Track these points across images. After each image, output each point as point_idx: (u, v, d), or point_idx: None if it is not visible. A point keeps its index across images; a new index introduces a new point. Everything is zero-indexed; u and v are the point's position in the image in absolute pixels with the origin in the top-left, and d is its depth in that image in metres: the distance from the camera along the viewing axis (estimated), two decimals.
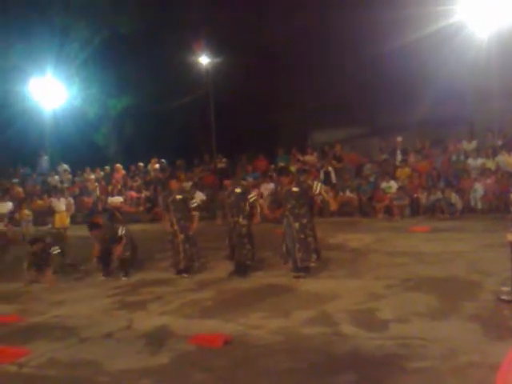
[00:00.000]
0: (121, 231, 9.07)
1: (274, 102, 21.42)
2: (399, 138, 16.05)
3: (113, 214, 10.31)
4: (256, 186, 15.29)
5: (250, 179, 16.03)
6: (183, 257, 8.65)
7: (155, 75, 21.29)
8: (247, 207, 8.42)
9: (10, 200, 17.36)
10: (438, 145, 15.60)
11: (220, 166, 17.67)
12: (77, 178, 19.51)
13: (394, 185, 13.91)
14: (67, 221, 9.93)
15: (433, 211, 13.06)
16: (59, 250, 9.38)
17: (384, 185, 14.02)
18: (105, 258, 9.18)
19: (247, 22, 20.37)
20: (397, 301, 6.43)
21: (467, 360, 4.46)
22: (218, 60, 22.19)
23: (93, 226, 9.29)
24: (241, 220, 8.41)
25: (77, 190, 18.28)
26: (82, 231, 11.40)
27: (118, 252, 8.99)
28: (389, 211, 13.46)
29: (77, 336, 6.09)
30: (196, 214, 8.84)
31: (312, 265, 7.98)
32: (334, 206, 8.65)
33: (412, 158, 15.18)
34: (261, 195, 14.03)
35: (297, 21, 19.15)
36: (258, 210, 8.56)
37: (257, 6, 19.76)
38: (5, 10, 19.50)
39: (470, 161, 14.15)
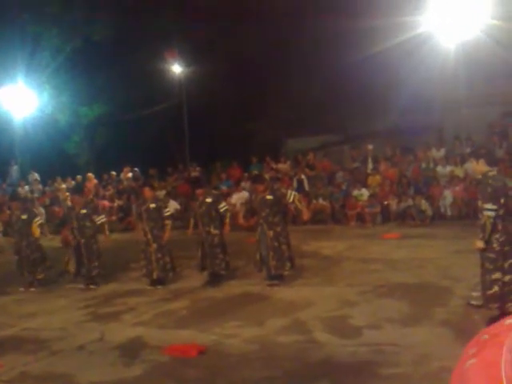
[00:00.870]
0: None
1: (248, 110, 21.53)
2: (370, 146, 16.26)
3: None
4: (229, 194, 15.32)
5: (224, 187, 16.04)
6: (156, 266, 8.58)
7: (128, 83, 21.17)
8: (218, 217, 8.44)
9: None
10: (407, 152, 15.86)
11: (194, 174, 17.62)
12: (47, 188, 19.20)
13: (365, 192, 14.07)
14: (37, 231, 9.73)
15: (403, 218, 13.26)
16: None
17: (356, 192, 14.18)
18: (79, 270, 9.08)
19: (220, 31, 20.48)
20: (369, 307, 6.51)
21: (439, 365, 4.54)
22: (190, 68, 22.23)
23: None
24: (212, 230, 8.40)
25: (47, 200, 17.99)
26: (53, 242, 11.27)
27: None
28: (361, 218, 13.61)
29: (48, 349, 6.00)
30: (169, 222, 8.80)
31: (286, 273, 8.03)
32: (306, 216, 8.70)
33: (383, 166, 15.39)
34: (233, 205, 14.06)
35: (270, 29, 19.32)
36: (228, 219, 8.58)
37: (230, 14, 19.85)
38: None
39: (439, 168, 14.41)
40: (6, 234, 13.80)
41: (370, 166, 15.75)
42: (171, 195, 16.12)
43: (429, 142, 15.75)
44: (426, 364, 4.66)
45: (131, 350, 5.76)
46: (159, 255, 8.59)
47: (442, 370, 4.46)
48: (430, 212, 13.04)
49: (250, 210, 8.38)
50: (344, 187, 14.95)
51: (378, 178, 14.84)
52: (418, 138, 16.33)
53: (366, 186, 14.52)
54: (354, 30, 15.44)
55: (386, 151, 16.21)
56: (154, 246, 8.59)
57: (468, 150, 14.63)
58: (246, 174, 16.37)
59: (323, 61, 18.02)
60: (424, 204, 13.07)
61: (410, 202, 13.32)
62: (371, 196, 13.80)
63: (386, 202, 13.64)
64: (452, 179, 13.56)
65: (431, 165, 14.87)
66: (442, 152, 15.06)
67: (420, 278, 7.67)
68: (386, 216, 13.63)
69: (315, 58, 18.45)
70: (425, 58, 14.96)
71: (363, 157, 16.31)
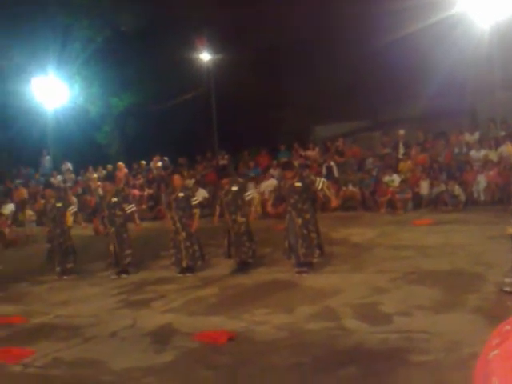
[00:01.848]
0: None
1: (276, 97, 21.41)
2: (401, 131, 15.99)
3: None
4: (257, 182, 15.30)
5: (253, 175, 16.03)
6: (185, 255, 8.65)
7: (157, 73, 21.31)
8: (244, 205, 8.44)
9: (13, 201, 17.46)
10: (440, 137, 15.54)
11: (222, 162, 17.66)
12: (79, 178, 19.53)
13: (396, 178, 13.86)
14: (70, 220, 9.92)
15: (436, 204, 13.03)
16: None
17: (387, 178, 13.97)
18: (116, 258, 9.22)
19: (248, 19, 20.34)
20: (400, 294, 6.42)
21: (470, 352, 4.44)
22: (219, 57, 22.20)
23: None
24: (239, 218, 8.41)
25: (79, 190, 18.30)
26: (86, 230, 11.45)
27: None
28: (392, 205, 13.42)
29: (81, 336, 6.11)
30: (197, 211, 8.82)
31: (315, 260, 7.98)
32: (334, 203, 8.60)
33: (414, 151, 15.13)
34: (261, 193, 14.06)
35: (298, 16, 19.11)
36: (253, 208, 8.57)
37: (257, 1, 19.72)
38: (7, 10, 19.50)
39: (473, 152, 14.08)
40: (39, 223, 14.10)
41: (402, 151, 15.50)
42: (200, 183, 16.20)
43: (462, 126, 15.39)
44: (457, 351, 4.57)
45: (162, 336, 5.82)
46: (188, 243, 8.65)
47: (473, 357, 4.32)
48: (462, 197, 12.77)
49: (279, 197, 8.34)
50: (374, 173, 14.77)
51: (409, 163, 14.59)
52: (451, 122, 15.98)
53: (397, 171, 14.30)
54: (383, 12, 15.13)
55: (418, 136, 15.91)
56: (183, 234, 8.65)
57: (503, 134, 14.26)
58: (275, 162, 16.32)
59: (351, 45, 17.74)
60: (457, 189, 12.81)
61: (443, 187, 13.07)
62: (402, 182, 13.59)
63: (417, 189, 13.42)
64: (486, 163, 13.24)
65: (464, 149, 14.55)
66: (476, 136, 14.70)
67: (452, 265, 7.52)
68: (418, 202, 13.41)
69: (343, 43, 18.17)
70: (458, 39, 14.57)
71: (394, 142, 16.06)
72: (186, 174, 15.17)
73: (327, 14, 18.43)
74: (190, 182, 15.52)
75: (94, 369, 5.10)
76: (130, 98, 22.67)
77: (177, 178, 9.03)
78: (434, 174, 13.72)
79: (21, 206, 16.80)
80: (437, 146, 15.11)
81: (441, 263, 7.66)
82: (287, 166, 8.45)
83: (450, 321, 5.37)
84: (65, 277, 9.47)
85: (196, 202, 8.91)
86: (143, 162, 19.29)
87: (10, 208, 16.55)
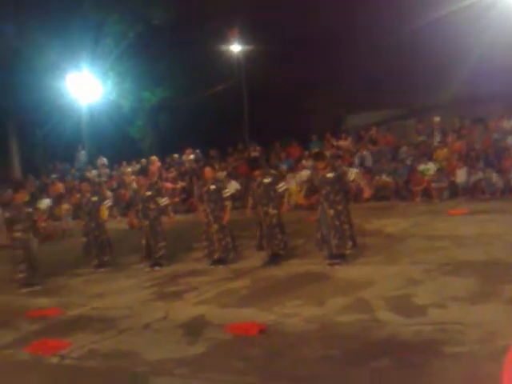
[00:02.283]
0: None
1: (307, 87, 21.25)
2: (437, 118, 15.67)
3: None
4: (289, 173, 15.25)
5: (284, 166, 15.97)
6: (217, 247, 8.69)
7: (188, 66, 21.42)
8: (276, 197, 8.41)
9: (49, 196, 17.87)
10: (477, 123, 15.16)
11: (254, 154, 17.65)
12: (114, 172, 19.83)
13: (432, 167, 13.60)
14: (105, 214, 10.10)
15: (473, 193, 12.73)
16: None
17: (422, 167, 13.72)
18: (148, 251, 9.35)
19: (277, 9, 20.20)
20: (435, 286, 6.30)
21: (506, 344, 4.32)
22: (249, 48, 22.14)
23: None
24: (271, 210, 8.38)
25: (114, 184, 18.59)
26: (121, 224, 11.63)
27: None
28: (427, 194, 13.18)
29: (116, 327, 6.21)
30: (228, 203, 8.83)
31: (348, 252, 7.89)
32: (367, 194, 8.46)
33: (450, 139, 14.80)
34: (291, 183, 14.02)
35: (327, 4, 18.87)
36: (286, 199, 8.54)
37: None
38: (42, 9, 19.89)
39: (511, 139, 13.70)
40: (75, 217, 14.38)
41: (437, 139, 15.19)
42: (232, 175, 16.24)
43: (499, 111, 14.97)
44: (493, 342, 4.45)
45: (194, 328, 5.87)
46: (220, 236, 8.68)
47: (508, 349, 4.26)
48: (500, 185, 12.46)
49: (311, 188, 8.27)
50: (409, 162, 14.52)
51: (445, 151, 14.31)
52: (487, 108, 15.56)
53: (432, 160, 14.03)
54: None
55: (454, 123, 15.56)
56: (215, 226, 8.68)
57: None
58: (306, 153, 16.22)
59: (382, 31, 17.42)
60: (495, 177, 12.50)
61: (480, 175, 12.76)
62: (438, 170, 13.33)
63: (453, 177, 13.14)
64: None
65: (502, 136, 14.15)
66: None
67: (488, 255, 7.34)
68: (454, 191, 13.13)
69: (374, 30, 17.86)
70: (492, 22, 14.14)
71: (429, 130, 15.76)
72: (217, 166, 15.25)
73: (356, 2, 18.14)
74: (222, 175, 15.58)
75: (128, 360, 5.18)
76: (162, 92, 22.86)
77: (208, 170, 9.05)
78: (471, 162, 13.41)
79: (57, 200, 17.19)
80: (474, 132, 14.75)
81: (476, 253, 7.49)
82: (319, 156, 8.36)
83: (485, 312, 5.24)
84: (101, 269, 9.66)
85: (227, 195, 8.91)
86: (176, 156, 19.45)
87: (46, 203, 16.95)
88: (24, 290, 8.66)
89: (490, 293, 5.76)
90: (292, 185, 14.17)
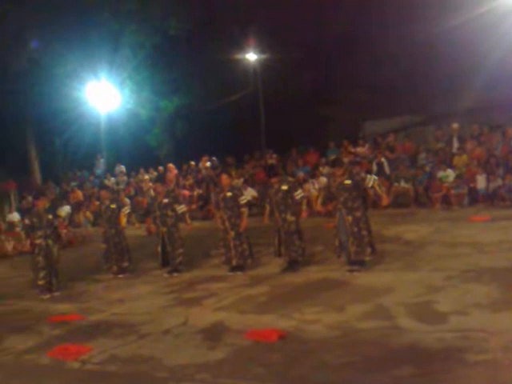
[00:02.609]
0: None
1: (324, 94, 21.24)
2: (455, 125, 15.54)
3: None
4: (306, 180, 15.23)
5: (301, 173, 15.95)
6: (235, 254, 8.69)
7: (204, 75, 21.57)
8: (294, 204, 8.40)
9: (69, 203, 18.07)
10: (496, 130, 15.00)
11: (271, 161, 17.66)
12: (131, 179, 19.99)
13: (451, 173, 13.48)
14: (124, 220, 10.19)
15: (493, 199, 12.59)
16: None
17: (441, 174, 13.61)
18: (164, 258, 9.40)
19: (292, 17, 20.28)
20: (456, 293, 6.24)
21: None
22: (265, 56, 22.24)
23: None
24: (289, 217, 8.38)
25: (132, 191, 18.73)
26: (139, 231, 11.71)
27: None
28: (446, 201, 13.06)
29: (136, 333, 6.25)
30: (245, 210, 8.84)
31: (366, 258, 7.85)
32: (385, 202, 8.35)
33: (469, 145, 14.67)
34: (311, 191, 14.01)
35: (344, 10, 18.89)
36: (304, 206, 8.52)
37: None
38: (62, 20, 20.21)
39: None
40: (94, 224, 14.52)
41: (456, 145, 15.06)
42: (248, 183, 16.26)
43: None
44: None
45: (214, 333, 5.89)
46: (237, 242, 8.69)
47: None
48: None
49: (328, 195, 8.24)
50: (428, 169, 14.42)
51: (464, 157, 14.17)
52: (506, 114, 15.40)
53: (451, 166, 13.91)
54: (433, 3, 14.74)
55: (472, 129, 15.42)
56: (232, 233, 8.70)
57: None
58: (324, 160, 16.19)
59: (399, 38, 17.37)
60: None
61: (500, 181, 12.62)
62: (457, 177, 13.21)
63: (472, 184, 13.00)
64: None
65: None
66: None
67: (510, 262, 7.25)
68: (474, 197, 13.00)
69: (391, 36, 17.82)
70: (510, 28, 14.03)
71: (448, 136, 15.63)
72: (234, 173, 15.29)
73: (372, 7, 18.13)
74: (239, 182, 15.61)
75: (149, 365, 5.21)
76: (179, 101, 23.00)
77: (224, 177, 9.09)
78: (491, 169, 13.25)
79: (77, 207, 17.37)
80: (493, 139, 14.59)
81: (498, 260, 7.40)
82: (336, 162, 8.34)
83: (508, 319, 5.18)
84: (120, 275, 9.73)
85: (244, 202, 8.92)
86: (192, 163, 19.54)
87: (66, 210, 17.15)
88: (45, 296, 8.75)
89: None
90: (312, 192, 14.16)
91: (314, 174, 15.46)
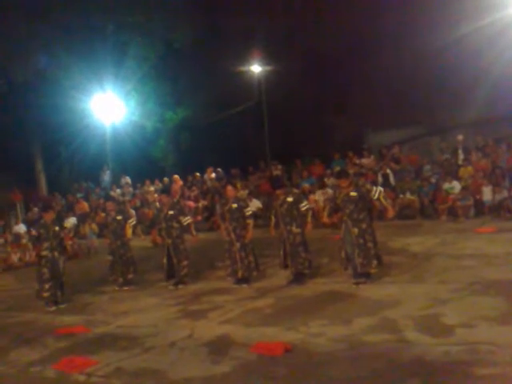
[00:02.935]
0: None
1: (328, 105, 21.30)
2: (460, 137, 15.55)
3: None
4: (311, 191, 15.22)
5: (306, 185, 15.95)
6: (241, 266, 8.67)
7: (209, 86, 21.68)
8: (299, 215, 8.39)
9: (75, 214, 18.10)
10: (501, 142, 15.00)
11: (275, 172, 17.68)
12: (137, 191, 20.04)
13: (457, 185, 13.46)
14: (129, 232, 10.20)
15: (499, 211, 12.54)
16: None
17: (446, 185, 13.59)
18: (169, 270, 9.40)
19: (296, 28, 20.41)
20: (463, 305, 6.20)
21: None
22: (269, 68, 22.36)
23: None
24: (294, 228, 8.37)
25: (138, 202, 18.76)
26: (145, 242, 11.72)
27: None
28: (452, 213, 13.03)
29: (141, 345, 6.23)
30: (250, 222, 8.83)
31: (373, 271, 7.82)
32: (390, 214, 8.30)
33: (474, 157, 14.66)
34: (316, 203, 13.99)
35: (348, 20, 18.99)
36: (310, 218, 8.50)
37: (303, 10, 19.74)
38: (67, 32, 20.41)
39: None
40: (100, 236, 14.53)
41: (461, 157, 15.06)
42: (253, 194, 16.26)
43: None
44: None
45: (219, 347, 5.86)
46: (243, 254, 8.67)
47: None
48: None
49: (334, 206, 8.23)
50: (433, 180, 14.40)
51: (469, 169, 14.16)
52: (511, 126, 15.41)
53: (457, 178, 13.89)
54: (436, 15, 14.80)
55: (477, 141, 15.42)
56: (237, 245, 8.68)
57: None
58: (329, 171, 16.19)
59: (405, 49, 17.44)
60: None
61: (506, 193, 12.58)
62: (463, 189, 13.18)
63: (478, 196, 12.96)
64: None
65: None
66: None
67: None
68: (480, 209, 12.96)
69: (396, 47, 17.89)
70: None
71: (453, 148, 15.63)
72: (239, 185, 15.30)
73: (378, 19, 18.22)
74: (244, 193, 15.61)
75: (154, 379, 5.18)
76: (183, 112, 23.14)
77: (229, 189, 9.09)
78: (497, 180, 13.23)
79: (82, 219, 17.40)
80: (498, 151, 14.59)
81: (505, 272, 7.36)
82: (342, 174, 8.33)
83: None
84: (125, 287, 9.72)
85: (249, 213, 8.90)
86: (198, 174, 19.59)
87: (72, 221, 17.17)
88: (50, 309, 8.75)
89: None
90: (320, 203, 14.14)
91: (321, 185, 15.42)
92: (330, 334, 5.80)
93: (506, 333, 5.16)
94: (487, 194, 12.93)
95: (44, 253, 8.92)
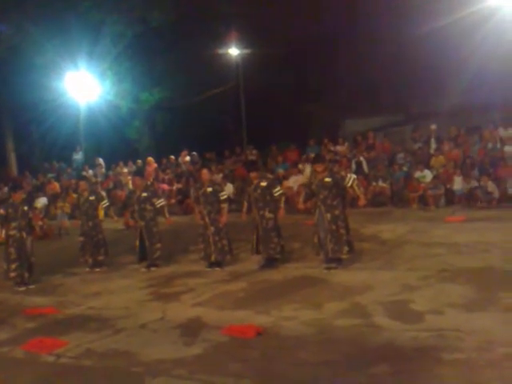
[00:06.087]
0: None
1: (305, 92, 21.31)
2: (433, 126, 15.72)
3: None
4: (285, 177, 15.24)
5: (281, 170, 15.97)
6: (214, 249, 8.68)
7: (186, 68, 21.44)
8: (273, 200, 8.41)
9: (46, 195, 17.80)
10: (473, 132, 15.23)
11: (251, 157, 17.64)
12: (110, 172, 19.78)
13: (428, 174, 13.63)
14: (101, 213, 10.09)
15: (469, 200, 12.78)
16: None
17: (418, 174, 13.76)
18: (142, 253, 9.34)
19: (275, 13, 20.28)
20: (432, 292, 6.33)
21: (504, 352, 4.37)
22: (247, 51, 22.20)
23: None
24: (267, 213, 8.39)
25: (111, 184, 18.54)
26: (117, 224, 11.60)
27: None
28: (423, 201, 13.21)
29: (112, 327, 6.21)
30: (225, 206, 8.84)
31: (344, 256, 7.91)
32: (362, 202, 8.37)
33: (446, 147, 14.86)
34: (290, 188, 14.02)
35: (325, 9, 18.96)
36: (283, 204, 8.54)
37: None
38: (41, 8, 19.87)
39: (507, 148, 13.75)
40: (71, 217, 14.33)
41: (433, 146, 15.24)
42: (228, 178, 16.22)
43: (495, 121, 15.05)
44: (490, 350, 4.48)
45: (191, 329, 5.88)
46: (216, 238, 8.68)
47: (506, 357, 4.30)
48: (496, 194, 12.49)
49: (309, 192, 8.27)
50: (405, 169, 14.57)
51: (441, 158, 14.35)
52: (484, 117, 15.64)
53: (428, 167, 14.07)
54: (413, 5, 14.87)
55: (450, 131, 15.63)
56: (212, 229, 8.68)
57: None
58: (304, 157, 16.23)
59: (381, 38, 17.52)
60: (490, 185, 12.53)
61: (475, 183, 12.81)
62: (434, 177, 13.37)
63: (449, 185, 13.17)
64: None
65: (498, 145, 14.22)
66: (510, 131, 14.35)
67: (485, 262, 7.38)
68: (450, 198, 13.18)
69: (373, 36, 17.95)
70: (490, 32, 14.23)
71: (426, 137, 15.81)
72: (214, 168, 15.24)
73: (355, 8, 18.24)
74: (218, 177, 15.56)
75: (125, 360, 5.17)
76: (159, 93, 22.83)
77: (205, 172, 9.07)
78: (467, 170, 13.45)
79: (53, 199, 17.12)
80: (470, 141, 14.82)
81: (473, 261, 7.52)
82: (318, 158, 8.38)
83: (482, 319, 5.27)
84: (96, 269, 9.64)
85: (224, 197, 8.92)
86: (172, 157, 19.41)
87: (42, 202, 16.87)
88: (20, 289, 8.63)
89: (487, 300, 5.79)
90: (294, 188, 14.17)
91: (297, 170, 15.42)
92: (301, 317, 5.86)
93: (474, 320, 5.28)
94: (458, 183, 13.14)
95: (11, 232, 8.78)
